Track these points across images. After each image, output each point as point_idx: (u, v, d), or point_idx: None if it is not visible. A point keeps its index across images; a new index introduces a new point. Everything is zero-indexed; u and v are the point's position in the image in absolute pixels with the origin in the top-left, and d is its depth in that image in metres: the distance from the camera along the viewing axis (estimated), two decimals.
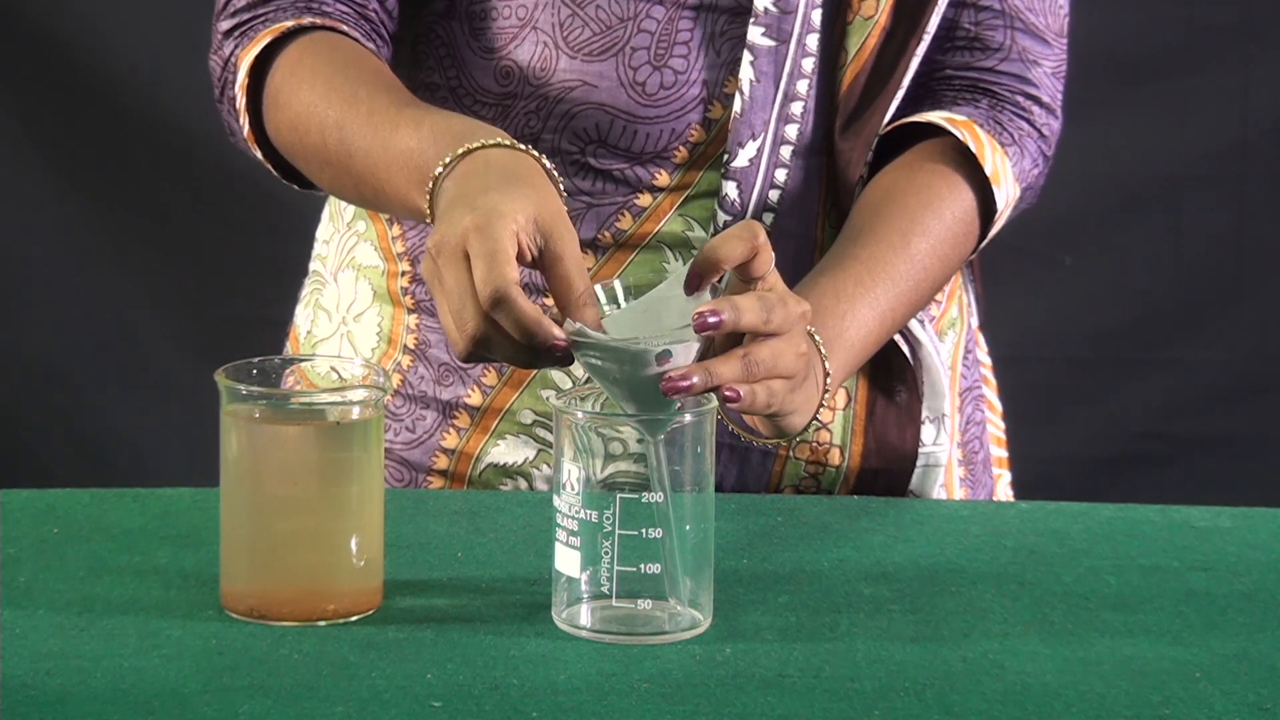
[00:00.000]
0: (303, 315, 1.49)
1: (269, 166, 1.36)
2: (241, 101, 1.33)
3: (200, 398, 3.00)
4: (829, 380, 1.21)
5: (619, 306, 1.11)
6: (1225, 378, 2.76)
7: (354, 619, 1.10)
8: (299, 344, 1.48)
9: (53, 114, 2.72)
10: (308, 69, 1.30)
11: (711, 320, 1.08)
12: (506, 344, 1.08)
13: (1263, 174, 2.71)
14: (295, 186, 1.38)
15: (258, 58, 1.32)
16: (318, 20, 1.32)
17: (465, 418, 1.40)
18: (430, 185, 1.17)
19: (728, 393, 1.10)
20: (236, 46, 1.34)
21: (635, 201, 1.37)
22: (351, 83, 1.27)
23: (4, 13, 2.69)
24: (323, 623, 1.09)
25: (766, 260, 1.12)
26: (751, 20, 1.34)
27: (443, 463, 1.40)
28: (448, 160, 1.16)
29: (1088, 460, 2.78)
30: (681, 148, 1.36)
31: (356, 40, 1.33)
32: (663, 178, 1.37)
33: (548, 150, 1.36)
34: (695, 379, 1.07)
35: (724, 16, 1.35)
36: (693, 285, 1.09)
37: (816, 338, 1.20)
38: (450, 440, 1.40)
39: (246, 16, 1.34)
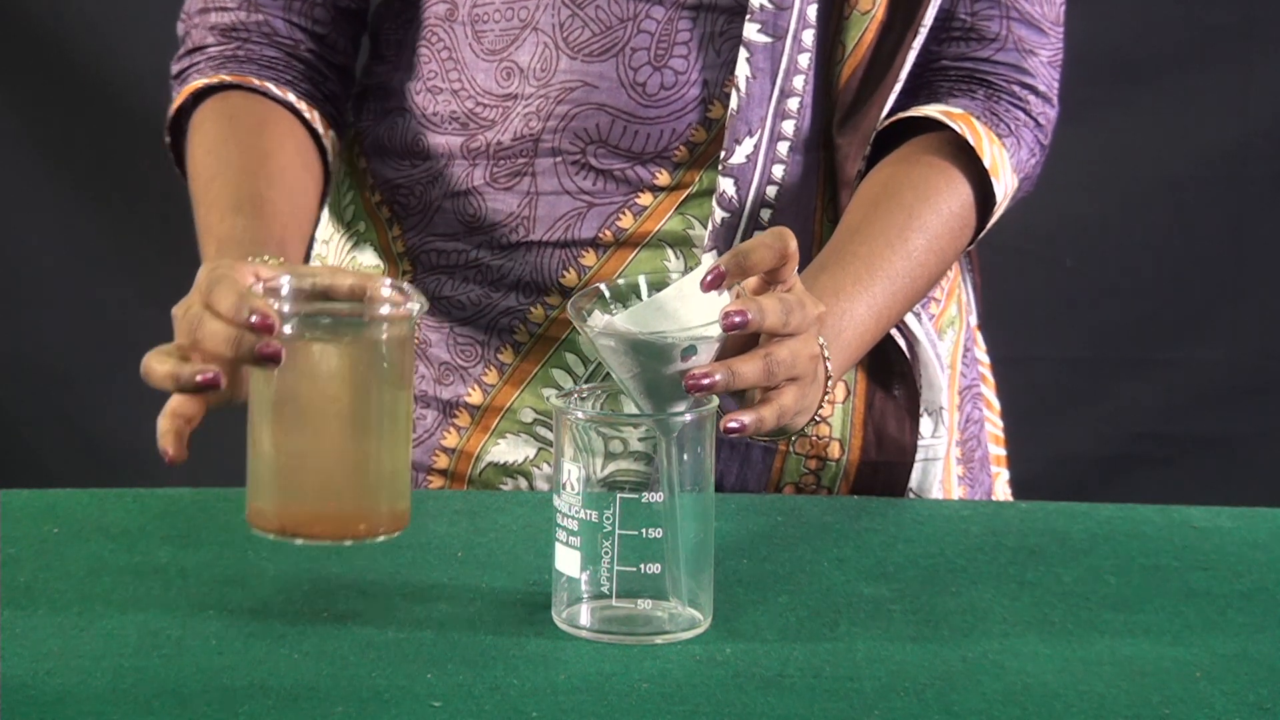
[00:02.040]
0: None
1: None
2: (171, 155, 1.45)
3: None
4: (830, 382, 1.21)
5: (639, 300, 1.11)
6: (1225, 378, 2.75)
7: (380, 538, 1.09)
8: None
9: (53, 114, 2.72)
10: (202, 141, 1.39)
11: (738, 320, 1.08)
12: (217, 330, 1.10)
13: (1263, 174, 2.71)
14: None
15: (179, 110, 1.43)
16: (229, 78, 1.40)
17: (465, 417, 1.40)
18: None
19: (731, 424, 1.11)
20: (175, 93, 1.44)
21: (636, 200, 1.37)
22: (220, 167, 1.36)
23: (4, 13, 2.69)
24: (349, 542, 1.08)
25: (794, 267, 1.13)
26: (747, 17, 1.34)
27: (443, 462, 1.40)
28: None
29: (1088, 460, 2.78)
30: (682, 147, 1.36)
31: (268, 93, 1.40)
32: (663, 177, 1.37)
33: (549, 150, 1.36)
34: (718, 377, 1.08)
35: (723, 16, 1.35)
36: (712, 285, 1.09)
37: (820, 338, 1.21)
38: (451, 439, 1.40)
39: (186, 64, 1.44)
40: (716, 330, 1.08)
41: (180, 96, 1.43)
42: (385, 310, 1.11)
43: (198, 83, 1.42)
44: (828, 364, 1.21)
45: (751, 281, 1.13)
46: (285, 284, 1.12)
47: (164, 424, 1.13)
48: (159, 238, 2.77)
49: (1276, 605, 1.16)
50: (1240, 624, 1.12)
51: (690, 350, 1.08)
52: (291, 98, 1.41)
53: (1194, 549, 1.25)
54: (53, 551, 1.21)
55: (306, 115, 1.41)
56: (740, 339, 1.13)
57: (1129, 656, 1.07)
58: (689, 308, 1.09)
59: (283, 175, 1.36)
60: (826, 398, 1.21)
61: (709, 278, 1.08)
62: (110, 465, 2.81)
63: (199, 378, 1.10)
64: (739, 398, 1.16)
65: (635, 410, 1.10)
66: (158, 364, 1.12)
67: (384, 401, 1.10)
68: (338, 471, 1.09)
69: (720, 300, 1.09)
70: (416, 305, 1.10)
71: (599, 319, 1.09)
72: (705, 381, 1.08)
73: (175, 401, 1.13)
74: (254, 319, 1.07)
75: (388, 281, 1.12)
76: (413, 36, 1.42)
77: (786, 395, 1.14)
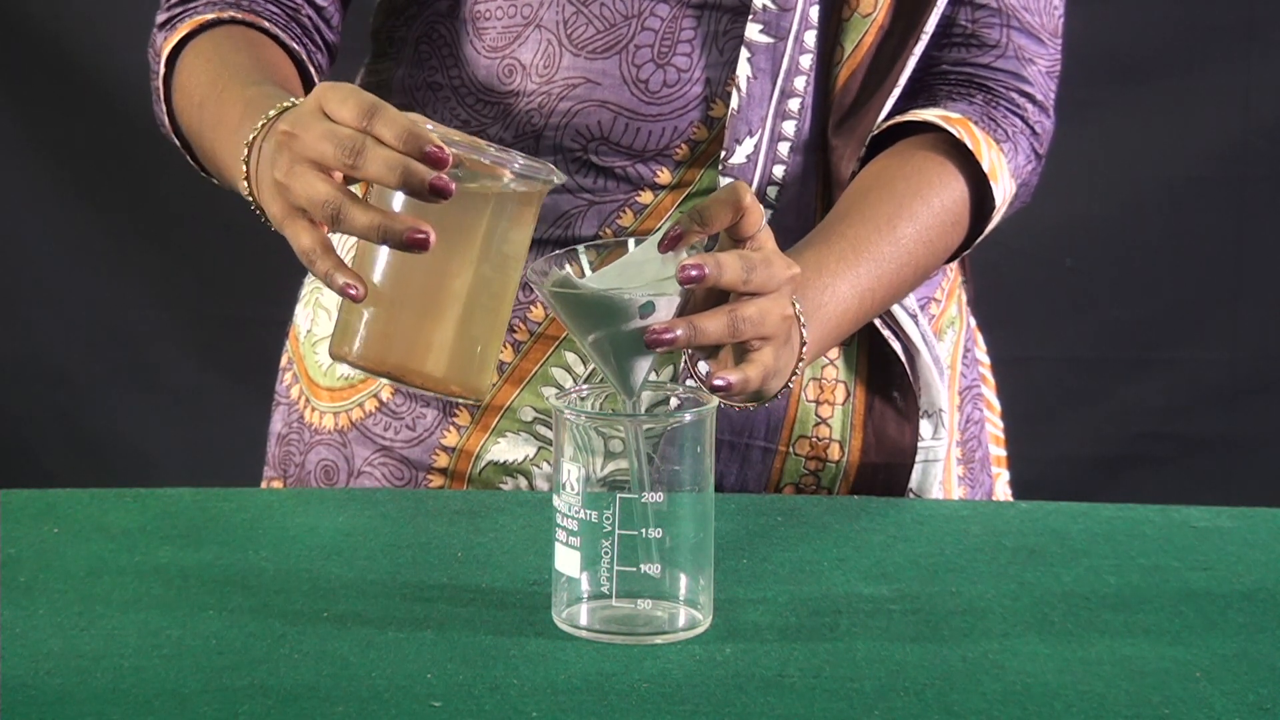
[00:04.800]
0: (302, 314, 1.49)
1: (189, 159, 1.39)
2: (161, 91, 1.37)
3: (200, 398, 3.01)
4: (805, 349, 1.21)
5: (584, 273, 1.11)
6: (1225, 378, 2.76)
7: (463, 400, 1.08)
8: (299, 343, 1.48)
9: (53, 114, 2.72)
10: (200, 55, 1.34)
11: (694, 273, 1.08)
12: (384, 155, 1.06)
13: (1263, 174, 2.71)
14: (215, 181, 1.39)
15: (175, 48, 1.36)
16: (238, 15, 1.36)
17: (465, 415, 1.40)
18: (246, 152, 1.19)
19: (717, 382, 1.11)
20: (163, 39, 1.38)
21: (637, 199, 1.37)
22: (225, 66, 1.30)
23: (4, 13, 2.69)
24: (435, 393, 1.08)
25: (754, 221, 1.12)
26: (750, 17, 1.34)
27: (443, 461, 1.40)
28: (261, 123, 1.18)
29: (1088, 460, 2.78)
30: (683, 145, 1.36)
31: (275, 37, 1.36)
32: (664, 175, 1.37)
33: (550, 147, 1.36)
34: (679, 332, 1.08)
35: (727, 15, 1.35)
36: (670, 246, 1.09)
37: (797, 305, 1.20)
38: (451, 438, 1.40)
39: (178, 10, 1.38)
40: (674, 286, 1.08)
41: (183, 28, 1.36)
42: (527, 172, 1.09)
43: (204, 16, 1.36)
44: (803, 330, 1.20)
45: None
46: (430, 127, 1.08)
47: (325, 264, 1.09)
48: (159, 238, 2.78)
49: (1276, 605, 1.16)
50: (1240, 624, 1.12)
51: (649, 308, 1.07)
52: (296, 48, 1.38)
53: (1194, 549, 1.25)
54: (53, 551, 1.21)
55: (309, 68, 1.38)
56: (706, 300, 1.12)
57: (1129, 656, 1.07)
58: (645, 275, 1.09)
59: (290, 84, 1.32)
60: (801, 366, 1.21)
61: (666, 239, 1.09)
62: (110, 465, 2.81)
63: (409, 235, 1.05)
64: (714, 355, 1.15)
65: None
66: (360, 214, 1.07)
67: (504, 264, 1.09)
68: (453, 319, 1.09)
69: (678, 260, 1.09)
70: (555, 177, 1.09)
71: (558, 275, 1.09)
72: (666, 336, 1.07)
73: (311, 237, 1.10)
74: (428, 149, 1.05)
75: (522, 156, 1.10)
76: (414, 33, 1.42)
77: (766, 353, 1.14)
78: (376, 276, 1.09)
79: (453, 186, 1.05)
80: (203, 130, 1.31)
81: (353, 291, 1.08)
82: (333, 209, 1.08)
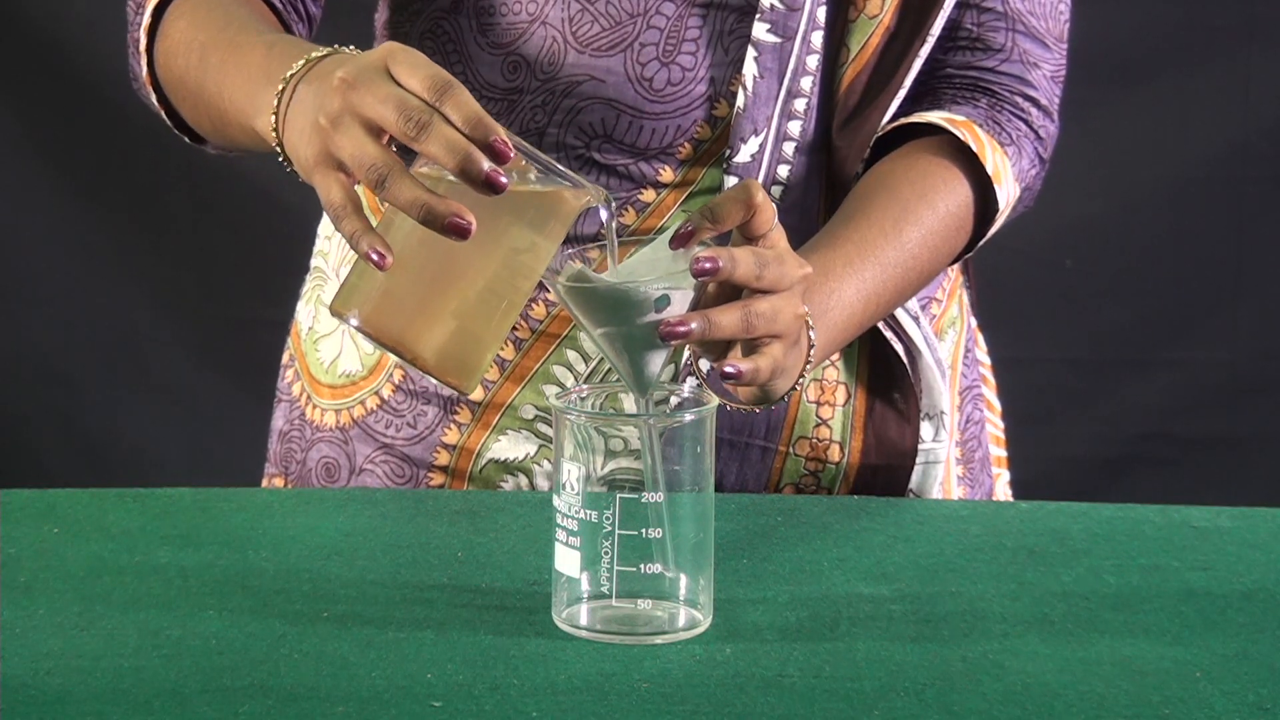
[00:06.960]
0: (304, 312, 1.49)
1: (164, 116, 1.38)
2: (143, 43, 1.35)
3: (200, 398, 3.01)
4: (812, 352, 1.21)
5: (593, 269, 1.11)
6: (1225, 378, 2.76)
7: (457, 391, 1.08)
8: (300, 340, 1.48)
9: (53, 114, 2.72)
10: (200, 6, 1.32)
11: (708, 266, 1.08)
12: (449, 135, 1.04)
13: (1263, 174, 2.71)
14: (186, 139, 1.38)
15: (160, 3, 1.35)
16: None
17: (466, 413, 1.40)
18: (281, 87, 1.16)
19: (728, 369, 1.11)
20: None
21: (639, 197, 1.37)
22: (228, 15, 1.29)
23: (4, 13, 2.69)
24: (434, 379, 1.07)
25: (766, 220, 1.12)
26: (757, 17, 1.34)
27: (444, 458, 1.40)
28: (301, 62, 1.16)
29: (1088, 460, 2.78)
30: (686, 144, 1.36)
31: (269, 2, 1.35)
32: (667, 174, 1.37)
33: (553, 144, 1.36)
34: (694, 325, 1.08)
35: (733, 15, 1.35)
36: (681, 243, 1.09)
37: (804, 307, 1.20)
38: (451, 436, 1.40)
39: None
40: (688, 280, 1.08)
41: None
42: (572, 186, 1.08)
43: None
44: (811, 333, 1.20)
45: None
46: None
47: (352, 224, 1.07)
48: (159, 238, 2.78)
49: (1276, 605, 1.16)
50: (1240, 624, 1.12)
51: (664, 301, 1.07)
52: (281, 8, 1.37)
53: (1194, 549, 1.25)
54: (53, 551, 1.21)
55: (294, 34, 1.37)
56: (716, 299, 1.12)
57: (1129, 656, 1.07)
58: (661, 269, 1.09)
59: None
60: (809, 368, 1.21)
61: (677, 236, 1.09)
62: (110, 465, 2.81)
63: (451, 221, 1.04)
64: (721, 355, 1.15)
65: (634, 407, 1.10)
66: (407, 188, 1.04)
67: (524, 270, 1.08)
68: (462, 310, 1.08)
69: (689, 257, 1.09)
70: (595, 200, 1.09)
71: (573, 269, 1.09)
72: (681, 329, 1.07)
73: (343, 193, 1.08)
74: (494, 140, 1.03)
75: (568, 171, 1.09)
76: (418, 29, 1.42)
77: (776, 348, 1.14)
78: (397, 247, 1.07)
79: (505, 181, 1.04)
80: (205, 75, 1.28)
81: (376, 258, 1.06)
82: (380, 174, 1.06)
